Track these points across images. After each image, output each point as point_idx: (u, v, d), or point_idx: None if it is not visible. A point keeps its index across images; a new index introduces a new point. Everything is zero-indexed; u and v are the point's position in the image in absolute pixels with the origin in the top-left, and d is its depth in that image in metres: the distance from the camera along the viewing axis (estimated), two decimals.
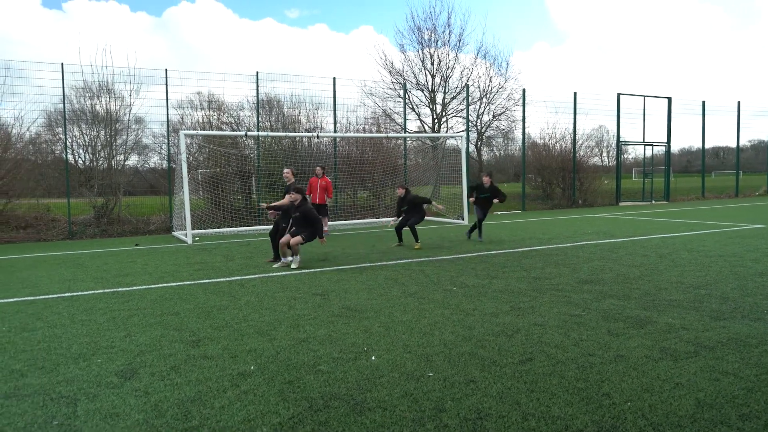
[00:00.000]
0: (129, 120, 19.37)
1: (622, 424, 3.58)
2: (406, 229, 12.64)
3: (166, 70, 18.25)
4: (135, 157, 21.73)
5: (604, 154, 32.19)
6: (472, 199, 13.70)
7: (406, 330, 5.83)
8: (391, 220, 13.29)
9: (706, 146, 31.09)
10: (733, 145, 32.14)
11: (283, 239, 9.98)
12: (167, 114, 18.51)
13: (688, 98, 58.95)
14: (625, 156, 31.00)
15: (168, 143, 19.00)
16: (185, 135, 15.38)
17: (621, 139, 27.62)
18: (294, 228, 10.11)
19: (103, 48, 39.78)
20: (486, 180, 13.63)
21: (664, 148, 29.10)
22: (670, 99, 28.55)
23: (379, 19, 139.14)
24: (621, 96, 27.13)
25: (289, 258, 10.12)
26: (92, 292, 8.23)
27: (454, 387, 4.26)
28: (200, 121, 20.85)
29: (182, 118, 20.28)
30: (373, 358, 4.97)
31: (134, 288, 8.46)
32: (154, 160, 22.38)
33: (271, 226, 11.14)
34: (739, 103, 30.71)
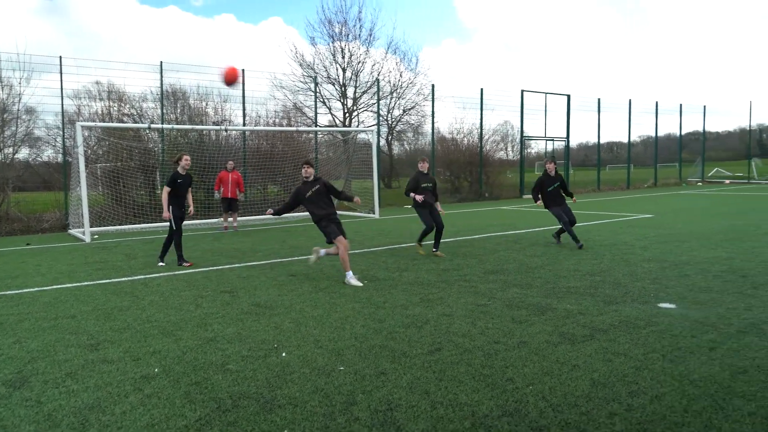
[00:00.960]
0: (19, 110, 18.02)
1: (524, 407, 3.75)
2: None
3: (60, 57, 17.14)
4: (26, 150, 20.27)
5: (509, 149, 33.43)
6: (539, 202, 11.04)
7: (317, 325, 5.81)
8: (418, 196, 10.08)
9: (602, 141, 33.04)
10: (625, 140, 34.29)
11: (340, 251, 8.05)
12: (62, 104, 17.41)
13: (585, 95, 62.20)
14: (529, 150, 32.37)
15: (63, 135, 17.88)
16: (82, 127, 14.52)
17: (524, 134, 28.78)
18: (322, 211, 8.16)
19: None
20: (551, 167, 10.92)
21: (563, 142, 30.60)
22: (569, 96, 30.05)
23: (288, 11, 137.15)
24: (524, 93, 28.25)
25: (322, 252, 8.52)
26: None
27: (365, 380, 4.29)
28: (99, 112, 19.75)
29: (79, 109, 19.15)
30: (284, 354, 4.92)
31: (25, 290, 7.91)
32: (48, 154, 20.99)
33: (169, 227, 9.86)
34: (630, 101, 32.80)
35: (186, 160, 9.85)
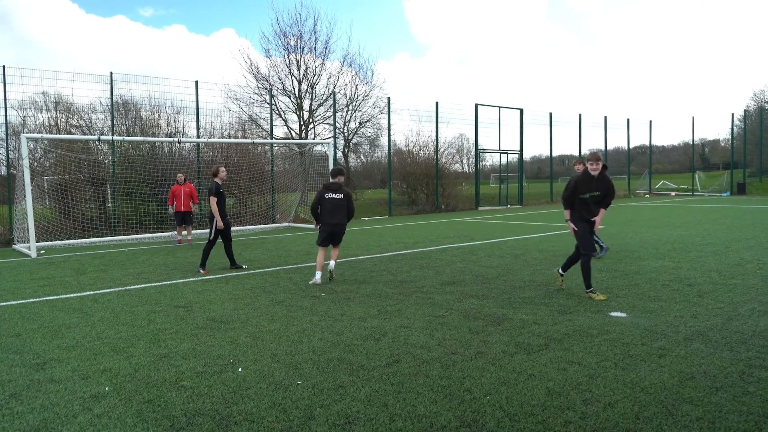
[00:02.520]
0: None
1: (482, 417, 3.78)
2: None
3: (3, 66, 16.57)
4: None
5: (464, 161, 33.96)
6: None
7: (274, 339, 5.74)
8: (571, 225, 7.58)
9: (554, 154, 33.81)
10: (577, 153, 35.20)
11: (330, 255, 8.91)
12: (5, 115, 16.80)
13: (537, 109, 63.70)
14: (483, 163, 32.94)
15: (7, 147, 17.24)
16: (27, 138, 14.03)
17: (479, 147, 29.23)
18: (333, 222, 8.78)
19: None
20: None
21: (517, 155, 31.19)
22: (522, 110, 30.68)
23: (240, 22, 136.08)
24: (479, 106, 28.73)
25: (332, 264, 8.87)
26: None
27: (323, 393, 4.25)
28: (46, 123, 19.14)
29: (24, 120, 18.50)
30: (240, 369, 4.83)
31: None
32: None
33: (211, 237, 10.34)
34: (580, 115, 33.72)
35: (223, 172, 10.48)
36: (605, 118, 34.96)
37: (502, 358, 4.97)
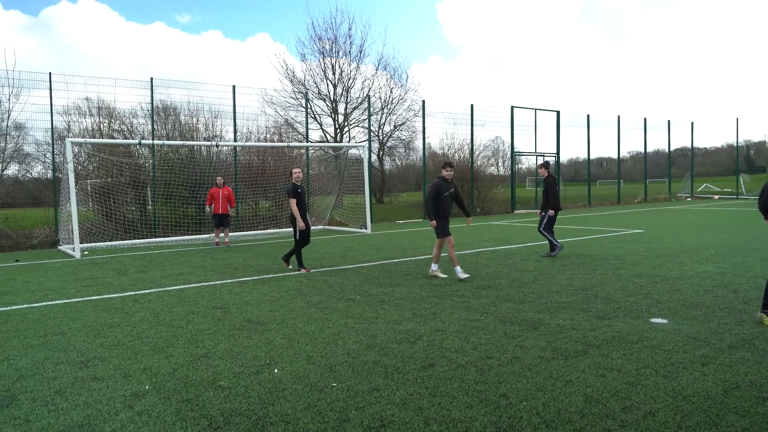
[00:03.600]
0: (8, 126, 17.99)
1: (518, 423, 3.73)
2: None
3: (50, 73, 17.12)
4: (15, 166, 20.25)
5: (500, 164, 33.64)
6: None
7: (310, 341, 5.78)
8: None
9: (591, 157, 33.24)
10: (615, 156, 34.59)
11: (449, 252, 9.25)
12: (51, 120, 17.34)
13: (574, 112, 62.74)
14: (519, 166, 32.55)
15: (53, 151, 17.81)
16: (72, 143, 14.46)
17: (515, 150, 28.95)
18: (447, 211, 9.46)
19: None
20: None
21: (554, 158, 30.78)
22: (558, 112, 30.28)
23: (275, 27, 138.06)
24: (514, 109, 28.45)
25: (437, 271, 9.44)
26: None
27: (357, 396, 4.26)
28: (89, 128, 19.74)
29: (69, 125, 19.11)
30: (276, 371, 4.88)
31: (13, 307, 7.83)
32: (38, 170, 20.96)
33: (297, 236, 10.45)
34: (619, 117, 33.08)
35: (296, 173, 10.58)
36: (645, 119, 34.25)
37: (538, 363, 4.90)
